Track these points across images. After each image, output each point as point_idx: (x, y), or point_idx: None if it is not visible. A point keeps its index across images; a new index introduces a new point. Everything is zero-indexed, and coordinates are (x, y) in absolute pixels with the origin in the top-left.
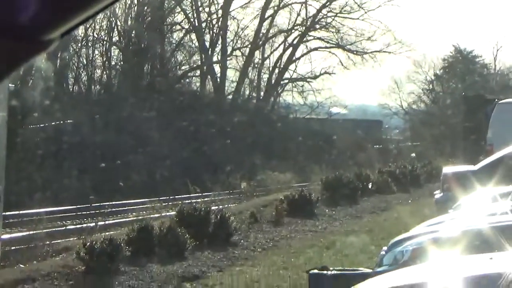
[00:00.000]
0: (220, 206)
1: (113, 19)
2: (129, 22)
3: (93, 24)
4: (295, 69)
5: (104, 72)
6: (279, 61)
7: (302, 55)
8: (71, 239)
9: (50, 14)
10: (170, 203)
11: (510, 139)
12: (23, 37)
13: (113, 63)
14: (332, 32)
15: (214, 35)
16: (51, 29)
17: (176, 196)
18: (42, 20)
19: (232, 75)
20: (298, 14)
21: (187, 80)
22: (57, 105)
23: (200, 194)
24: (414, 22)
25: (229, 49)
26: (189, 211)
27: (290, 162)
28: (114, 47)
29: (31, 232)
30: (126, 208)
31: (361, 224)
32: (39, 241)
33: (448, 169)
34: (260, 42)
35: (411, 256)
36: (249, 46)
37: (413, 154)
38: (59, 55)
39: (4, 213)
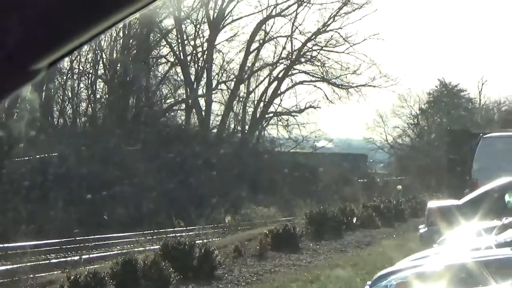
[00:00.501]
0: (205, 240)
1: (99, 51)
2: (115, 55)
3: (78, 57)
4: (280, 102)
5: (89, 105)
6: (264, 94)
7: (287, 89)
8: (55, 272)
9: (37, 44)
10: (155, 237)
11: (495, 173)
12: (10, 67)
13: (98, 96)
14: (317, 66)
15: (199, 68)
16: (38, 59)
17: (160, 230)
18: (29, 50)
19: (217, 108)
20: (284, 48)
21: (172, 113)
22: (42, 137)
23: (184, 228)
24: (400, 56)
25: (214, 82)
26: (174, 245)
27: (275, 196)
28: (100, 80)
29: (15, 266)
30: (111, 241)
31: (346, 258)
32: (23, 275)
33: (432, 204)
34: (245, 76)
35: None
36: (234, 79)
37: (399, 187)
38: (44, 88)
39: None
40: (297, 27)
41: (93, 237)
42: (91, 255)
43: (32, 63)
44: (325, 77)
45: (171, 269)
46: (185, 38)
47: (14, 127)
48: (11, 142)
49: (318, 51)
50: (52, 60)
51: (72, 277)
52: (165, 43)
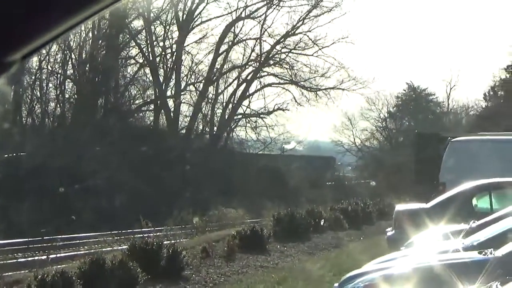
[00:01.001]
0: (172, 241)
1: (68, 52)
2: (84, 55)
3: (47, 57)
4: (249, 104)
5: (58, 105)
6: (233, 96)
7: (255, 91)
8: (22, 271)
9: (11, 37)
10: (123, 237)
11: (462, 177)
12: None
13: (67, 96)
14: (286, 68)
15: (168, 69)
16: (12, 50)
17: (128, 230)
18: (2, 42)
19: (185, 109)
20: (253, 50)
21: (141, 114)
22: (10, 137)
23: (152, 229)
24: (368, 60)
25: (183, 83)
26: (141, 245)
27: (243, 198)
28: (68, 80)
29: None
30: (78, 241)
31: (313, 260)
32: None
33: (400, 207)
34: (214, 77)
35: None
36: (203, 81)
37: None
38: (12, 88)
39: None
40: (266, 30)
41: (60, 236)
42: (58, 255)
43: (5, 55)
44: (293, 79)
45: (139, 269)
46: (154, 39)
47: None
48: None
49: (287, 53)
50: (25, 53)
51: (39, 277)
52: (134, 44)
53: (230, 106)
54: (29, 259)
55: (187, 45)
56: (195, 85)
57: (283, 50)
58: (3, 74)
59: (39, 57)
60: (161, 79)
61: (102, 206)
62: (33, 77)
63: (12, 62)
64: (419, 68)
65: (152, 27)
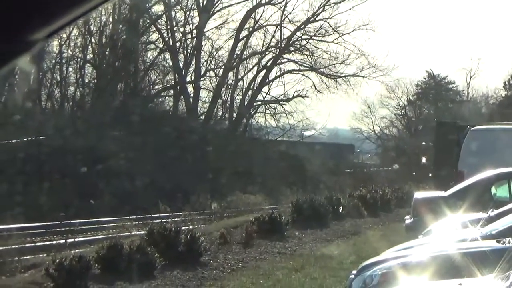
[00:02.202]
0: (190, 226)
1: (88, 36)
2: (104, 40)
3: (67, 41)
4: (268, 91)
5: (78, 89)
6: (253, 82)
7: (275, 77)
8: (40, 255)
9: (35, 14)
10: (141, 222)
11: (481, 165)
12: (7, 36)
13: (86, 80)
14: (306, 55)
15: (188, 55)
16: (36, 29)
17: (146, 215)
18: (27, 20)
19: (205, 95)
20: (273, 36)
21: (160, 99)
22: (30, 121)
23: (170, 214)
24: (389, 47)
25: (203, 69)
26: (159, 230)
27: (261, 184)
28: (88, 64)
29: (0, 248)
30: (97, 226)
31: (331, 247)
32: (8, 257)
33: (418, 195)
34: (234, 63)
35: (380, 281)
36: (223, 67)
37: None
38: (33, 71)
39: None
40: (286, 16)
41: (78, 221)
42: (76, 239)
43: (29, 34)
44: (313, 66)
45: (157, 254)
46: (174, 24)
47: (10, 98)
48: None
49: (307, 40)
50: (48, 32)
51: (57, 261)
52: (154, 29)
53: (250, 92)
54: (47, 243)
55: (207, 31)
56: (215, 71)
57: (303, 37)
58: (26, 53)
59: (60, 41)
60: (181, 64)
61: (122, 187)
62: (53, 61)
63: (36, 41)
64: (439, 56)
65: (173, 12)
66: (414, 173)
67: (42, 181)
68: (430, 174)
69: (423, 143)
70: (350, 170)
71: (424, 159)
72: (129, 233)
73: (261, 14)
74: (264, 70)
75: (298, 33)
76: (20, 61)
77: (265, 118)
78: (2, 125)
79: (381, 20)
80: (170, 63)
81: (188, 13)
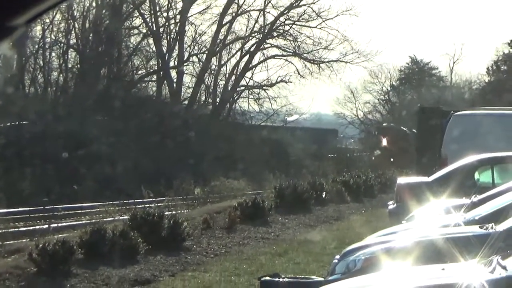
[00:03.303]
0: (174, 211)
1: (71, 21)
2: (87, 25)
3: (50, 26)
4: (252, 76)
5: (61, 74)
6: (236, 68)
7: (259, 63)
8: (23, 240)
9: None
10: (124, 207)
11: (464, 151)
12: None
13: (70, 65)
14: (290, 40)
15: (172, 40)
16: (16, 15)
17: (129, 201)
18: (7, 6)
19: (188, 80)
20: (256, 21)
21: (144, 84)
22: (12, 106)
23: (153, 199)
24: (372, 32)
25: (186, 54)
26: (143, 216)
27: (244, 169)
28: (72, 49)
29: None
30: (80, 211)
31: (314, 232)
32: None
33: (402, 180)
34: (217, 49)
35: (363, 266)
36: (206, 52)
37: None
38: (15, 57)
39: None
40: (270, 1)
41: (62, 206)
42: (60, 224)
43: (9, 19)
44: (297, 51)
45: (140, 239)
46: (157, 9)
47: None
48: None
49: (290, 25)
50: (29, 18)
51: (41, 245)
52: (137, 14)
53: (233, 77)
54: (30, 228)
55: (190, 16)
56: (198, 56)
57: (286, 22)
58: (7, 38)
59: (43, 26)
60: (164, 49)
61: (105, 173)
62: (36, 46)
63: (16, 27)
64: (422, 42)
65: None
66: (392, 160)
67: (23, 167)
68: (392, 159)
69: (384, 124)
70: (333, 155)
71: (384, 141)
72: (112, 218)
73: None
74: (248, 55)
75: (282, 18)
76: (1, 46)
77: (249, 103)
78: None
79: (364, 6)
80: (154, 48)
81: None
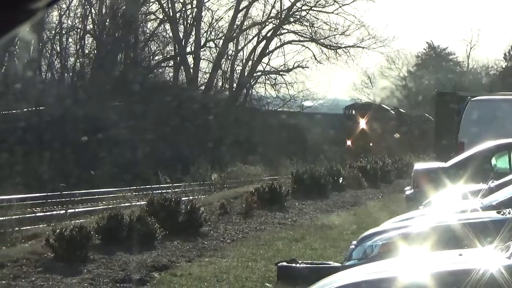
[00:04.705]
0: (191, 197)
1: (88, 7)
2: (104, 11)
3: (67, 12)
4: (268, 61)
5: (77, 60)
6: (253, 53)
7: (275, 48)
8: (40, 226)
9: None
10: (141, 193)
11: (481, 136)
12: (8, 4)
13: (86, 51)
14: (306, 26)
15: (188, 25)
16: None
17: (146, 186)
18: None
19: (205, 66)
20: (273, 7)
21: (160, 70)
22: (30, 90)
23: (170, 185)
24: (389, 18)
25: (203, 40)
26: (160, 201)
27: (261, 155)
28: (88, 35)
29: (0, 218)
30: (97, 196)
31: (331, 218)
32: (8, 227)
33: (419, 166)
34: (234, 34)
35: (380, 251)
36: (223, 37)
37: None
38: (33, 41)
39: None
40: None
41: (79, 191)
42: (77, 209)
43: (29, 2)
44: (313, 37)
45: (157, 224)
46: None
47: (11, 67)
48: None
49: (307, 11)
50: (50, 0)
51: (58, 231)
52: None
53: (250, 63)
54: (48, 213)
55: (207, 1)
56: (215, 42)
57: (303, 8)
58: (27, 22)
59: (59, 11)
60: (181, 35)
61: (123, 157)
62: (53, 32)
63: (36, 10)
64: (439, 27)
65: None
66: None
67: (42, 151)
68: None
69: (363, 101)
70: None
71: (362, 123)
72: (129, 204)
73: None
74: (264, 41)
75: (298, 4)
76: (21, 30)
77: (265, 89)
78: (3, 94)
79: None
80: (170, 34)
81: None
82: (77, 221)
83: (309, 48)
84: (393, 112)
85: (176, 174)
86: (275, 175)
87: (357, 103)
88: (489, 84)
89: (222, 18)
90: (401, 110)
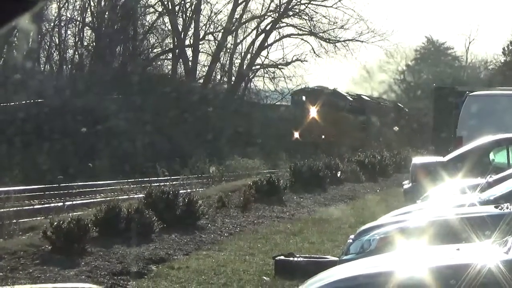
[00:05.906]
0: (188, 190)
1: None
2: (103, 3)
3: (66, 4)
4: (267, 55)
5: (76, 53)
6: (252, 46)
7: (274, 42)
8: (38, 218)
9: None
10: (139, 186)
11: (479, 131)
12: None
13: (85, 43)
14: (305, 20)
15: (187, 18)
16: None
17: (144, 179)
18: None
19: (204, 59)
20: (272, 0)
21: (159, 63)
22: (29, 80)
23: (168, 178)
24: (388, 12)
25: (202, 33)
26: (158, 194)
27: (259, 148)
28: (87, 27)
29: None
30: (94, 189)
31: (329, 212)
32: (6, 220)
33: (417, 160)
34: (233, 27)
35: (378, 245)
36: (222, 30)
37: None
38: (32, 32)
39: None
40: None
41: (76, 183)
42: (74, 202)
43: None
44: (312, 31)
45: (155, 217)
46: None
47: (10, 57)
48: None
49: (306, 4)
50: None
51: (55, 223)
52: None
53: (249, 56)
54: (45, 205)
55: None
56: (214, 35)
57: (302, 1)
58: (27, 12)
59: (58, 3)
60: (180, 27)
61: (122, 149)
62: (52, 24)
63: (36, 0)
64: (438, 21)
65: None
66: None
67: (41, 142)
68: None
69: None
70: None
71: (313, 111)
72: (127, 196)
73: None
74: (263, 34)
75: None
76: (20, 20)
77: (264, 82)
78: (2, 85)
79: None
80: (169, 27)
81: None
82: (75, 213)
83: (308, 42)
84: (351, 99)
85: (174, 167)
86: (273, 168)
87: (307, 88)
88: (487, 79)
89: (221, 11)
90: (363, 96)
